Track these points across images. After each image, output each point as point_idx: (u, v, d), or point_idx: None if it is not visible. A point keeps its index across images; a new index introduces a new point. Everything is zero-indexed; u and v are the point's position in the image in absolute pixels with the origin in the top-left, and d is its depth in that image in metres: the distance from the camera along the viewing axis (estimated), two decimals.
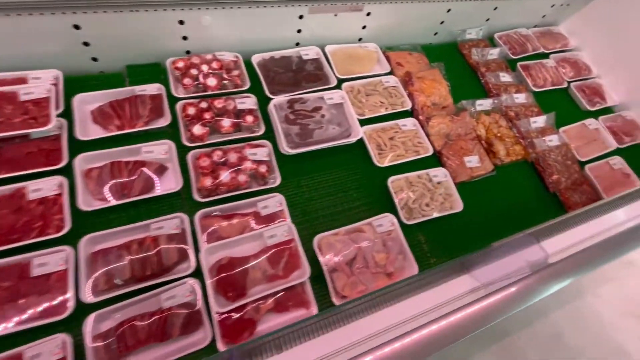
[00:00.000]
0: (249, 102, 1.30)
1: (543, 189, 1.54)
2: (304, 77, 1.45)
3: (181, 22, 1.27)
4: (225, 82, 1.33)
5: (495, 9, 1.81)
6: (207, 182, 1.14)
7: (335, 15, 1.48)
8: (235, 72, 1.36)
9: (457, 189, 1.36)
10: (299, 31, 1.50)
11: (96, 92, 1.23)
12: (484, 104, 1.62)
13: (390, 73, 1.60)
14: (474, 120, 1.56)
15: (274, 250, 1.10)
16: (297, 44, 1.56)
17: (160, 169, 1.17)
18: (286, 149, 1.26)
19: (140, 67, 1.34)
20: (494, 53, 1.78)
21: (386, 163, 1.36)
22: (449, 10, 1.70)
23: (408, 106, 1.51)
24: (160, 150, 1.18)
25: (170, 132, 1.24)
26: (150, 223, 1.07)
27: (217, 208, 1.14)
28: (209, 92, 1.31)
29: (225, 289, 1.02)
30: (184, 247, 1.06)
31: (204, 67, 1.32)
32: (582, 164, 1.61)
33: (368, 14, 1.54)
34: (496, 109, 1.63)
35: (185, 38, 1.34)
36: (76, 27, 1.16)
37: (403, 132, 1.45)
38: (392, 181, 1.31)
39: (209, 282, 1.01)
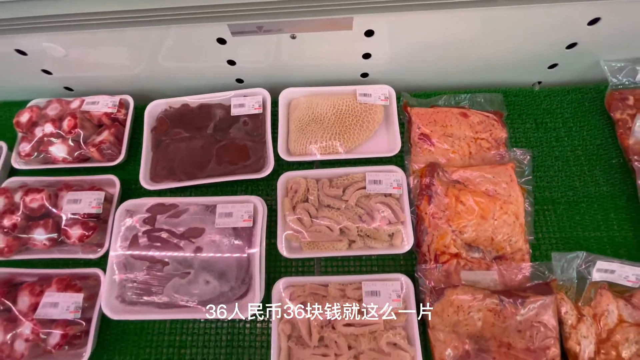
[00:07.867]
0: (88, 200, 0.74)
1: None
2: (220, 150, 0.79)
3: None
4: (81, 151, 0.81)
5: None
6: None
7: (293, 37, 0.74)
8: (103, 136, 0.81)
9: None
10: (231, 63, 0.82)
11: None
12: (620, 272, 0.65)
13: (399, 161, 0.77)
14: (572, 313, 0.63)
15: None
16: (240, 82, 0.88)
17: None
18: (108, 307, 0.68)
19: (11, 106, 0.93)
20: None
21: None
22: (594, 22, 0.71)
23: (401, 249, 0.69)
24: None
25: None
26: None
27: None
28: (55, 166, 0.81)
29: None
30: None
31: (47, 127, 0.81)
32: None
33: (370, 34, 0.74)
34: None
35: (47, 72, 0.85)
36: None
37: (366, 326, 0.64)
38: None
39: None
